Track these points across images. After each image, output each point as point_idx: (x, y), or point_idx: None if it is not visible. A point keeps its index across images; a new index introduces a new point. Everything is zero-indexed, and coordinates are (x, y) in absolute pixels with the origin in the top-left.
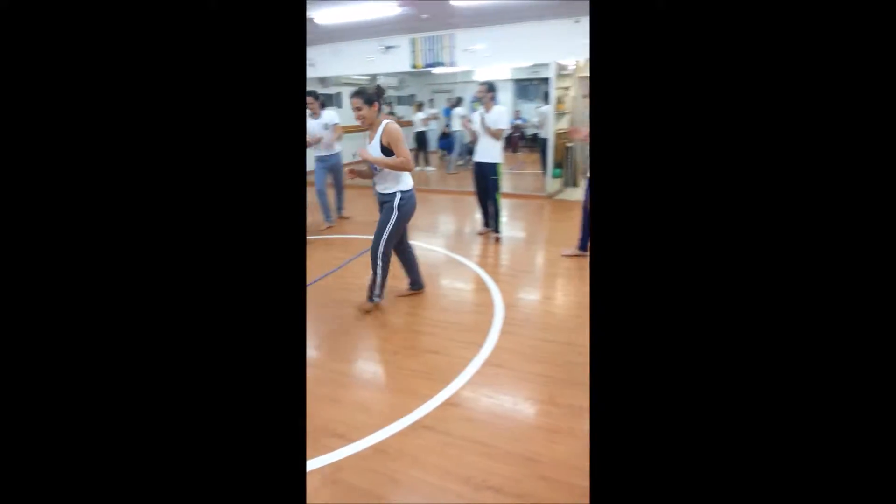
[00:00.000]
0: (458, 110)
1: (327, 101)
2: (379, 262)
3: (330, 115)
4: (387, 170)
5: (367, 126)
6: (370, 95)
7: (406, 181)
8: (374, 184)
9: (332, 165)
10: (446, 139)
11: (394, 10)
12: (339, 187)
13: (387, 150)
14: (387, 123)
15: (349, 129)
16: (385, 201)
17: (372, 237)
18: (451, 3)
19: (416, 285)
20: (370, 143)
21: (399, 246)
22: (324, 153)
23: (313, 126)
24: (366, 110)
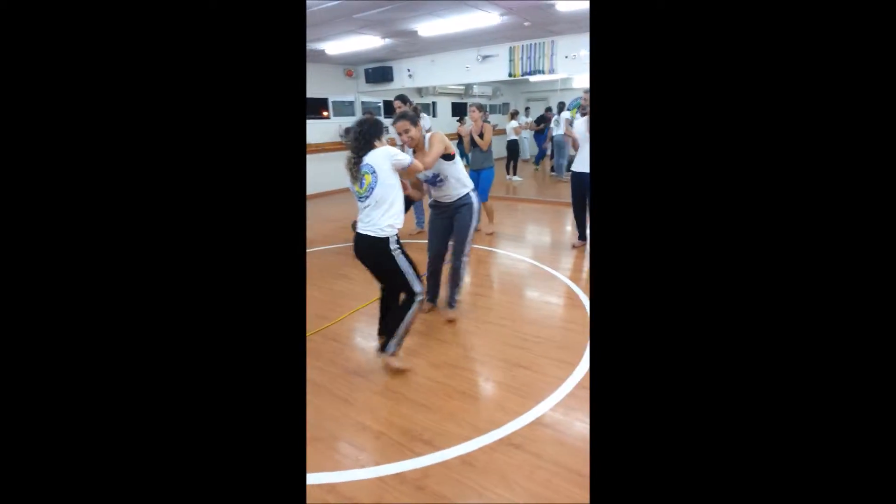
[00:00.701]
0: (564, 114)
1: (424, 110)
2: (464, 267)
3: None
4: (451, 178)
5: (416, 146)
6: (414, 116)
7: (469, 181)
8: (435, 197)
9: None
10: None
11: (496, 20)
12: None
13: (447, 156)
14: (433, 134)
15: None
16: (460, 205)
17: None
18: (556, 8)
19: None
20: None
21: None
22: None
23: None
24: (413, 131)
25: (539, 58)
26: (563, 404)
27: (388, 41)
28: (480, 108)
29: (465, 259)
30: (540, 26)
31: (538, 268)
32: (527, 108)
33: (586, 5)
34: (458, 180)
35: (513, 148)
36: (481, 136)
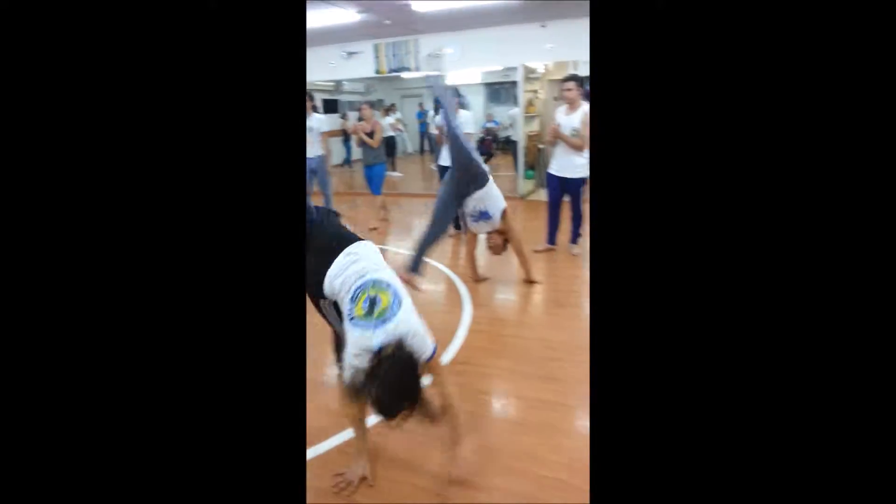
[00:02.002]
0: (465, 114)
1: None
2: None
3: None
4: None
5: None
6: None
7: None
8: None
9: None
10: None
11: (354, 17)
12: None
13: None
14: None
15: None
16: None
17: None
18: (413, 8)
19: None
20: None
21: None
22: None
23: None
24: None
25: (404, 55)
26: None
27: None
28: (371, 105)
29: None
30: (401, 24)
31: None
32: (392, 105)
33: (444, 5)
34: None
35: (390, 144)
36: (371, 134)
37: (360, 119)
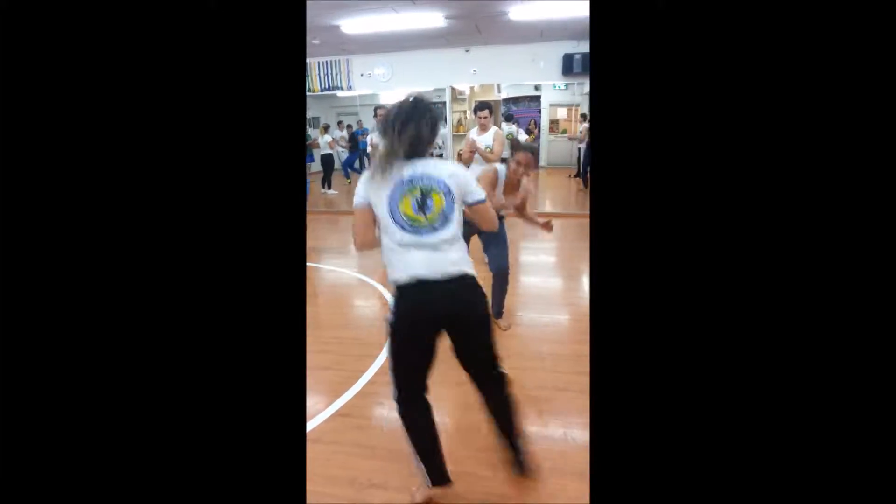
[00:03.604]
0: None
1: None
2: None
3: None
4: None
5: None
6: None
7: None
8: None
9: None
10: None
11: None
12: None
13: None
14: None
15: None
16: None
17: None
18: (342, 30)
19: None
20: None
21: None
22: None
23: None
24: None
25: (336, 75)
26: (362, 393)
27: None
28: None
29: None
30: (330, 45)
31: (357, 278)
32: (339, 122)
33: (371, 28)
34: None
35: (328, 161)
36: None
37: None
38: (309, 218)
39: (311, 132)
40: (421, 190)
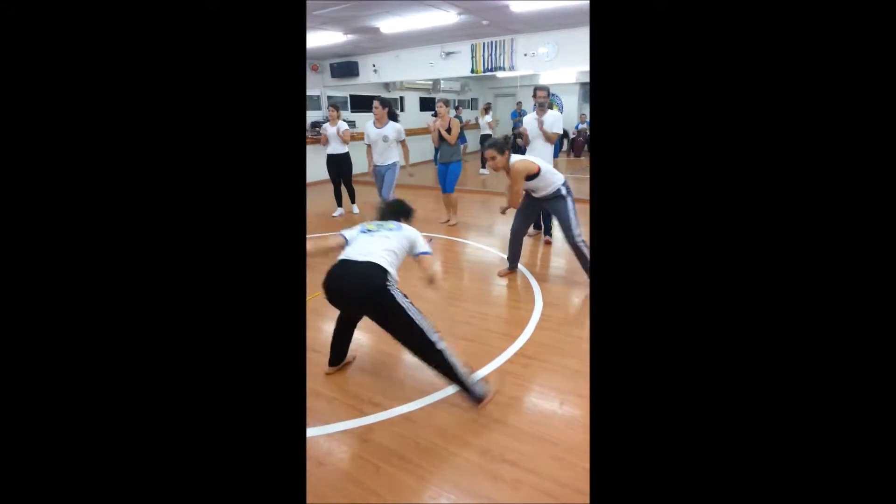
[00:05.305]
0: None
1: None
2: (582, 244)
3: (395, 127)
4: (542, 187)
5: (501, 169)
6: (502, 144)
7: (559, 176)
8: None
9: (384, 175)
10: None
11: (453, 19)
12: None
13: (531, 176)
14: (513, 164)
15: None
16: (553, 198)
17: None
18: (511, 9)
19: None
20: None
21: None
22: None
23: (373, 134)
24: (499, 159)
25: (500, 55)
26: (500, 369)
27: (350, 37)
28: (447, 103)
29: (579, 238)
30: (498, 25)
31: (501, 257)
32: (488, 104)
33: (540, 6)
34: (551, 183)
35: (485, 141)
36: (449, 130)
37: (435, 115)
38: (463, 196)
39: (468, 113)
40: None
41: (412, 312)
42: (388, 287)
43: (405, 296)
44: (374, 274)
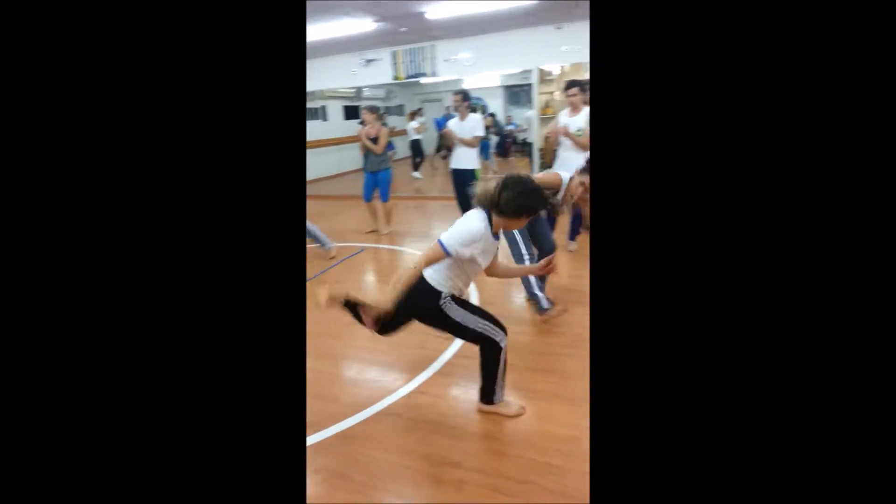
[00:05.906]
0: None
1: (312, 114)
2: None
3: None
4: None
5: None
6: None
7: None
8: None
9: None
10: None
11: (370, 26)
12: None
13: None
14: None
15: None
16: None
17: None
18: (427, 16)
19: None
20: None
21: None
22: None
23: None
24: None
25: (421, 61)
26: (441, 372)
27: None
28: (373, 110)
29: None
30: (417, 32)
31: None
32: (419, 109)
33: (456, 13)
34: None
35: (416, 147)
36: (375, 140)
37: (362, 124)
38: (397, 203)
39: (395, 119)
40: None
41: (469, 322)
42: (443, 306)
43: (461, 304)
44: (425, 297)
